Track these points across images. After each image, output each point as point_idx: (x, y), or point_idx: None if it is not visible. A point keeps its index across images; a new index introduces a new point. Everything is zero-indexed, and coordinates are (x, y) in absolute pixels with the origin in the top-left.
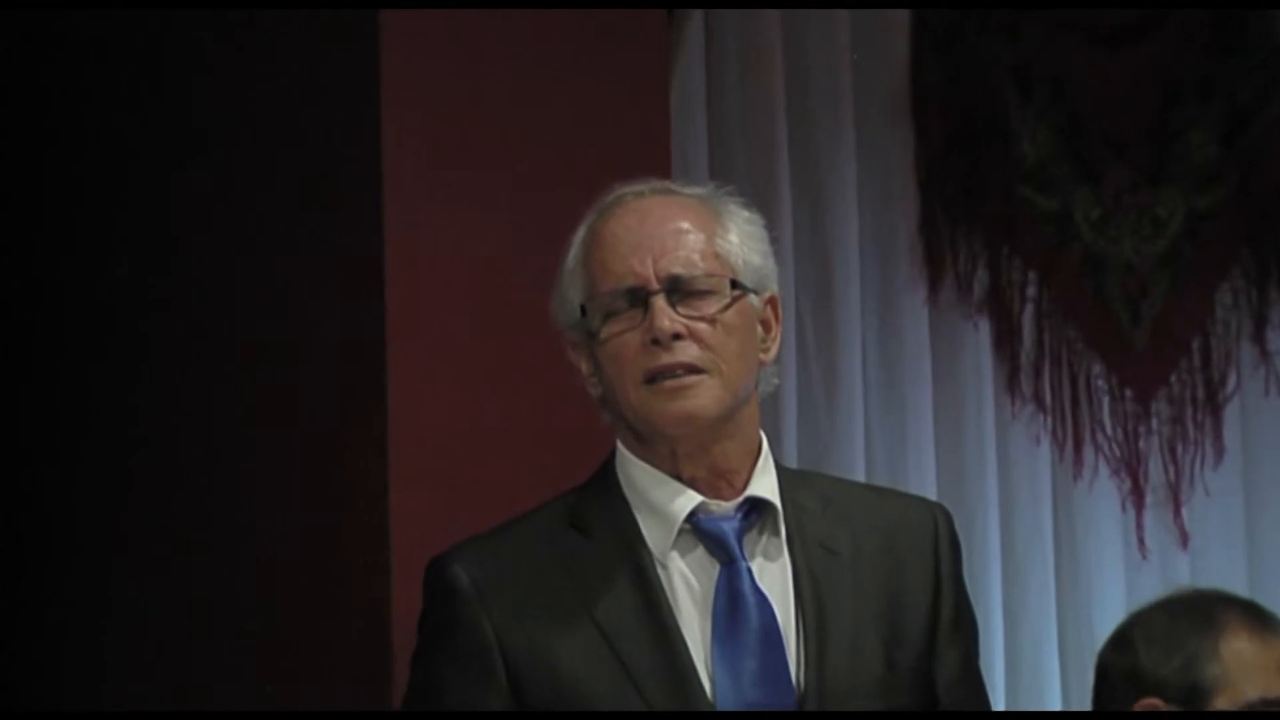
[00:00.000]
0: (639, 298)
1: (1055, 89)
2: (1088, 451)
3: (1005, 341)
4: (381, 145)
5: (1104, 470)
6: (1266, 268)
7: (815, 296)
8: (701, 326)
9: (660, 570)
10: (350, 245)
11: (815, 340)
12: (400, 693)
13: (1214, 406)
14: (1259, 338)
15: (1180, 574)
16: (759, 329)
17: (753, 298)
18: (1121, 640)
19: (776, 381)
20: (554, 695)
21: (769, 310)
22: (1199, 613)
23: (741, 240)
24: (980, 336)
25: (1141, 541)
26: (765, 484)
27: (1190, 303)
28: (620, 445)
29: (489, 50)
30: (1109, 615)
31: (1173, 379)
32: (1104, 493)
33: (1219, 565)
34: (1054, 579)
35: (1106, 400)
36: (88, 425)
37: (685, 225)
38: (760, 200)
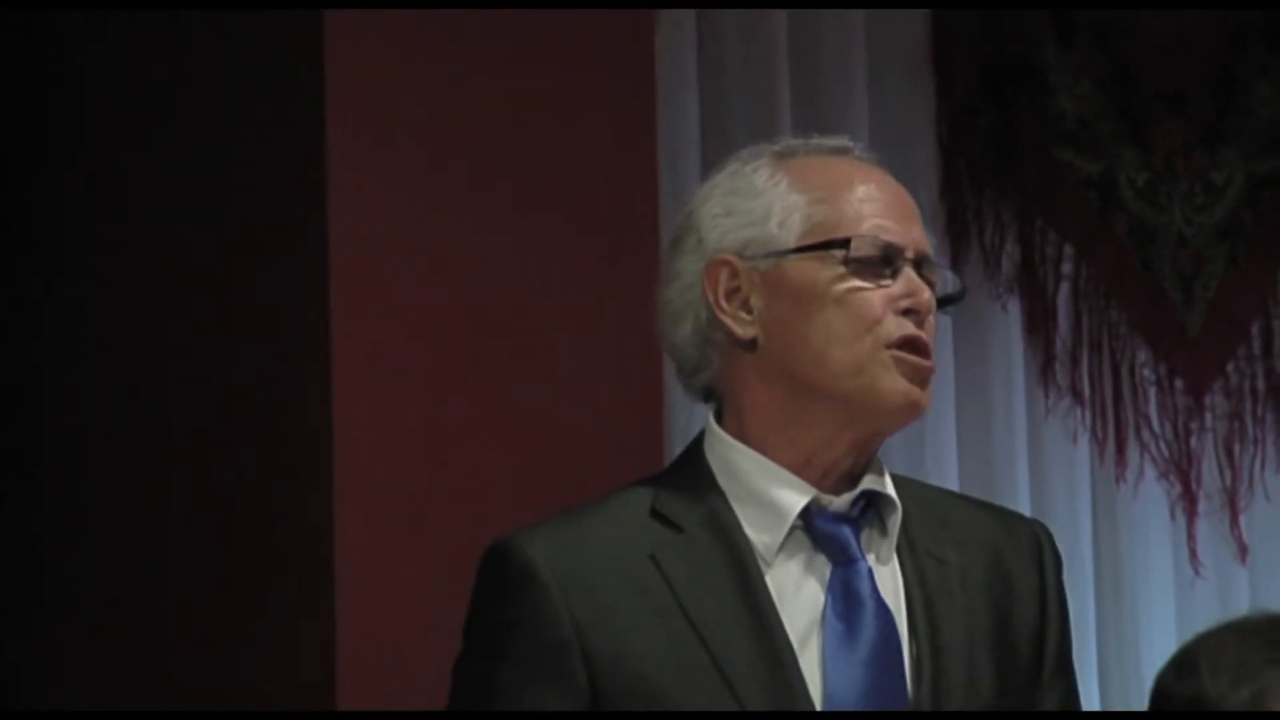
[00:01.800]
0: (890, 260)
1: (1100, 35)
2: (1132, 451)
3: (1039, 325)
4: (326, 146)
5: (1151, 472)
6: None
7: None
8: (932, 318)
9: (764, 568)
10: (295, 245)
11: None
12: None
13: (1277, 400)
14: None
15: (1238, 591)
16: None
17: None
18: (1186, 663)
19: None
20: (641, 706)
21: None
22: (1277, 641)
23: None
24: (1010, 319)
25: (1194, 554)
26: (880, 480)
27: (1250, 281)
28: (717, 429)
29: (433, 49)
30: (1156, 638)
31: (1230, 368)
32: (1151, 498)
33: None
34: (1093, 597)
35: (1154, 392)
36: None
37: (917, 209)
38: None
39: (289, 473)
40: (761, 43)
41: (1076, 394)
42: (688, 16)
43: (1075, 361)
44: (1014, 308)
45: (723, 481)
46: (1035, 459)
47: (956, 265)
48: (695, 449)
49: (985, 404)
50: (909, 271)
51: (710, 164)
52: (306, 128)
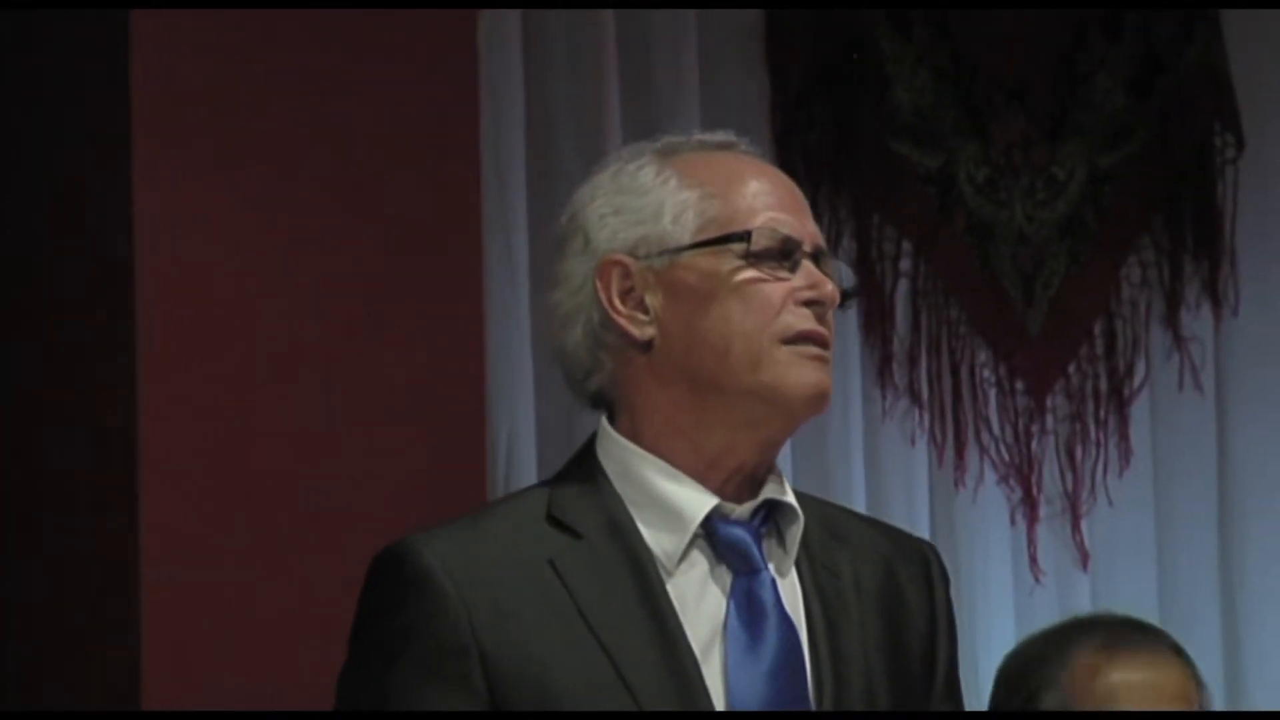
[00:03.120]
0: (788, 253)
1: (938, 24)
2: (972, 454)
3: (875, 324)
4: (132, 148)
5: (991, 476)
6: (1181, 238)
7: None
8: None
9: (665, 576)
10: (100, 248)
11: None
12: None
13: (1119, 402)
14: (1172, 321)
15: (1079, 599)
16: None
17: None
18: (998, 676)
19: None
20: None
21: None
22: (1054, 641)
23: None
24: (846, 318)
25: (1034, 561)
26: (781, 489)
27: (1093, 279)
28: (612, 433)
29: (250, 50)
30: (995, 648)
31: (1071, 369)
32: (991, 503)
33: (1125, 589)
34: None
35: (994, 394)
36: None
37: (803, 197)
38: (585, 155)
39: (92, 482)
40: (589, 35)
41: (914, 395)
42: (512, 16)
43: (913, 361)
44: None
45: (620, 487)
46: (871, 462)
47: None
48: (587, 454)
49: None
50: (808, 264)
51: (535, 164)
52: (112, 128)
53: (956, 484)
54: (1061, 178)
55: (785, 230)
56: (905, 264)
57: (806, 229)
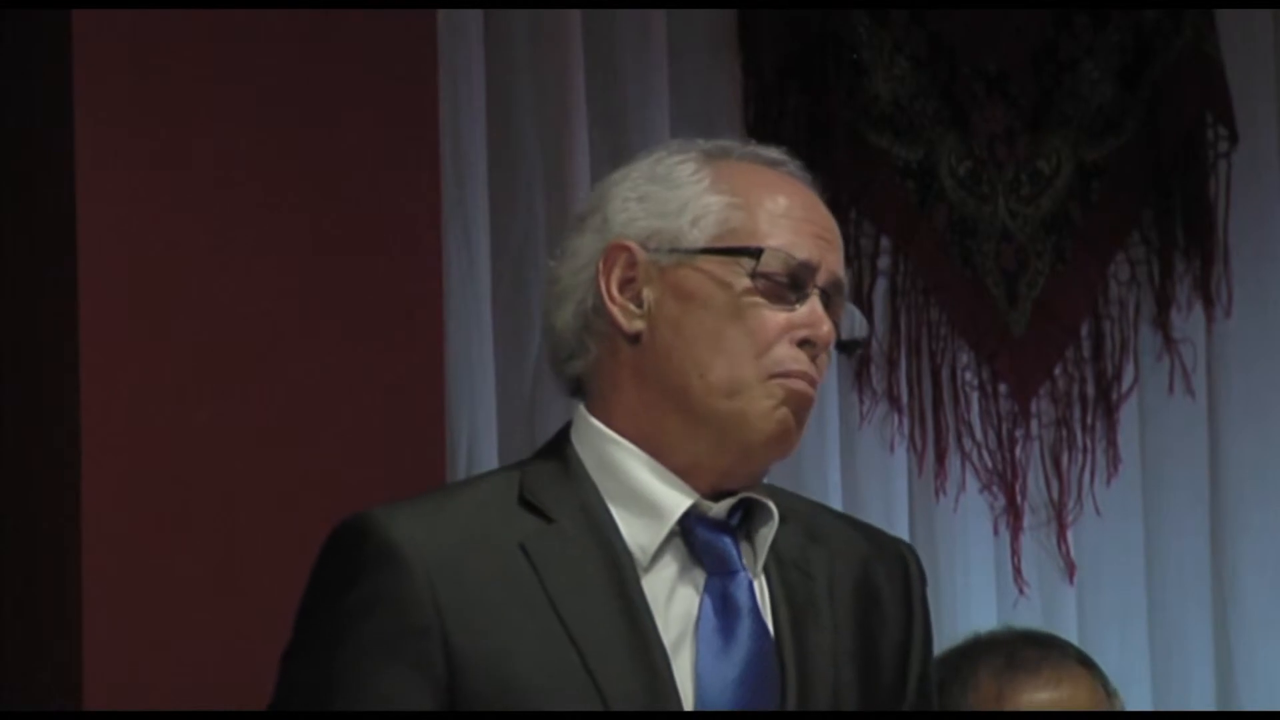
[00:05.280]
0: (800, 281)
1: (916, 11)
2: (953, 461)
3: None
4: (75, 149)
5: (973, 484)
6: (1171, 234)
7: None
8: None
9: (640, 572)
10: (44, 249)
11: None
12: None
13: (1107, 406)
14: (1161, 321)
15: (1064, 612)
16: None
17: None
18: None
19: None
20: (506, 707)
21: None
22: (954, 665)
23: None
24: None
25: (1018, 572)
26: (759, 489)
27: (1079, 278)
28: (593, 421)
29: (201, 51)
30: None
31: (1057, 372)
32: (973, 511)
33: (1112, 601)
34: None
35: (977, 398)
36: None
37: (838, 238)
38: (551, 149)
39: (33, 480)
40: (553, 30)
41: (893, 399)
42: (473, 15)
43: (892, 364)
44: None
45: (596, 476)
46: (849, 469)
47: None
48: (561, 440)
49: None
50: (815, 300)
51: (495, 163)
52: (55, 129)
53: (937, 492)
54: (1046, 171)
55: (801, 256)
56: (883, 261)
57: (826, 261)
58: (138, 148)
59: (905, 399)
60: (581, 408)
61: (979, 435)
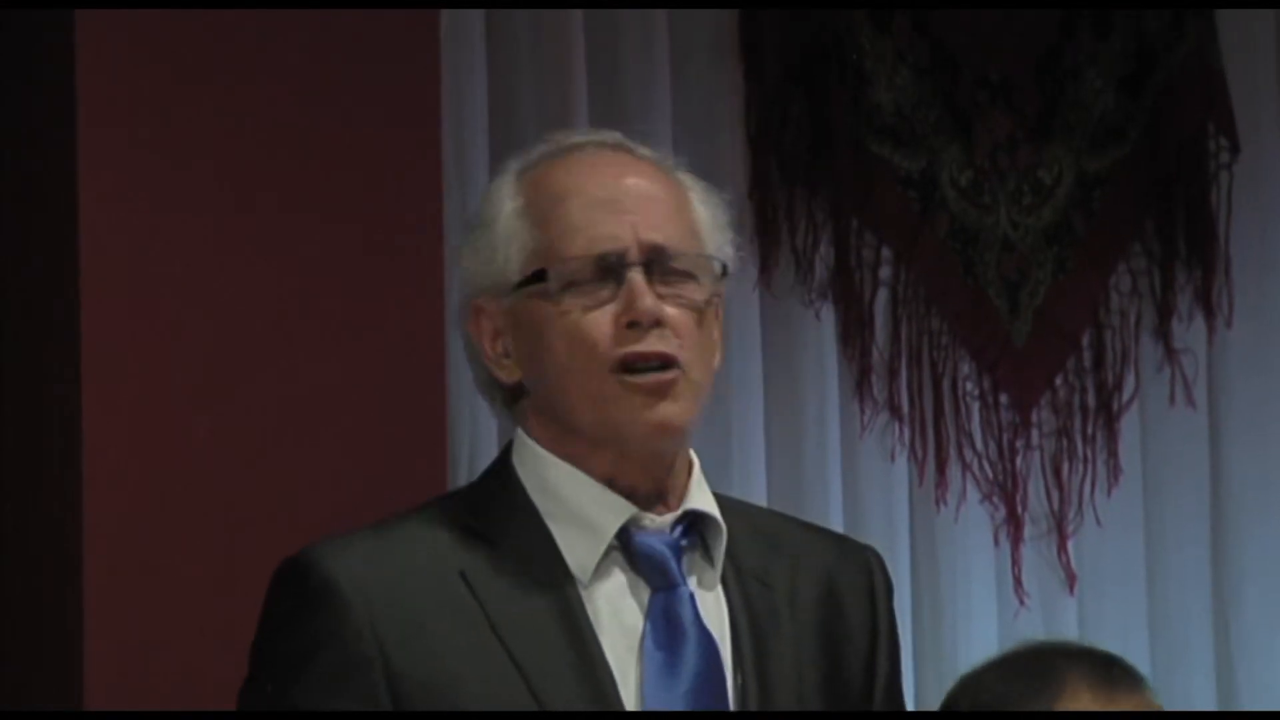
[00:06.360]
0: (611, 269)
1: (919, 19)
2: (954, 471)
3: (854, 334)
4: (78, 149)
5: (974, 494)
6: (1173, 245)
7: None
8: (681, 315)
9: (581, 590)
10: (46, 249)
11: None
12: None
13: (1108, 417)
14: (1163, 332)
15: (1065, 623)
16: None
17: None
18: (949, 708)
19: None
20: None
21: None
22: (1034, 673)
23: (711, 218)
24: (823, 328)
25: (1019, 583)
26: (704, 499)
27: (1080, 288)
28: (528, 440)
29: (206, 50)
30: None
31: (1058, 382)
32: (974, 522)
33: (1113, 612)
34: (911, 628)
35: (977, 408)
36: None
37: (660, 192)
38: None
39: (35, 482)
40: (556, 32)
41: (894, 409)
42: (475, 15)
43: (893, 374)
44: (828, 315)
45: (536, 498)
46: (849, 479)
47: (766, 268)
48: (503, 463)
49: (796, 419)
50: (631, 277)
51: (498, 158)
52: (58, 129)
53: (938, 502)
54: (1048, 181)
55: (600, 250)
56: (885, 271)
57: (636, 234)
58: (140, 148)
59: (906, 409)
60: (520, 430)
61: (980, 445)
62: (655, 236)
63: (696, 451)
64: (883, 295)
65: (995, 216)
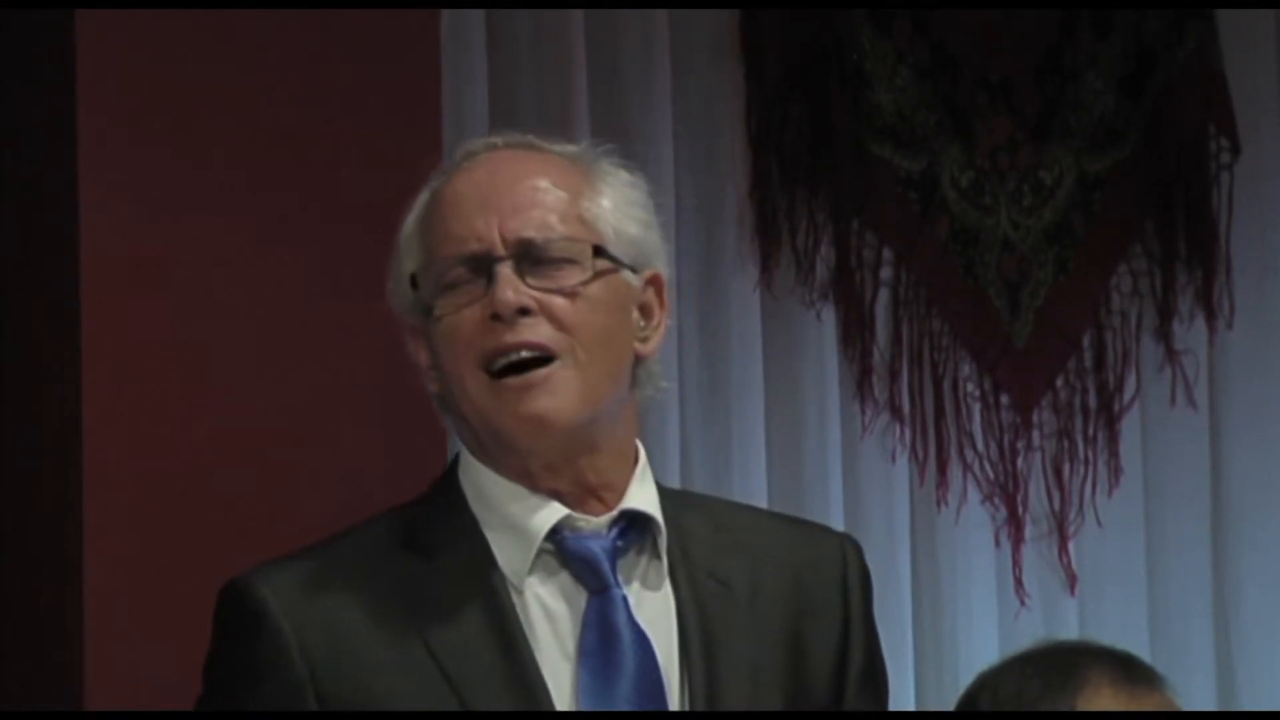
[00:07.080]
0: (482, 266)
1: (919, 20)
2: (955, 472)
3: (855, 335)
4: (79, 149)
5: (974, 495)
6: (1173, 247)
7: None
8: (556, 300)
9: (515, 598)
10: (47, 250)
11: None
12: None
13: (1109, 418)
14: (1164, 333)
15: (1066, 624)
16: (635, 313)
17: (628, 274)
18: (969, 701)
19: (665, 385)
20: None
21: (651, 292)
22: (1055, 670)
23: (616, 205)
24: (824, 329)
25: (1019, 584)
26: (644, 497)
27: (1081, 289)
28: (468, 455)
29: (207, 51)
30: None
31: (1059, 383)
32: (974, 523)
33: (1113, 613)
34: (911, 629)
35: (978, 409)
36: None
37: (544, 183)
38: None
39: (34, 482)
40: (556, 33)
41: (895, 410)
42: (475, 16)
43: (894, 375)
44: (828, 316)
45: (475, 507)
46: (850, 479)
47: (767, 269)
48: (449, 475)
49: (796, 420)
50: (501, 271)
51: None
52: (59, 129)
53: (939, 503)
54: (1049, 182)
55: (469, 248)
56: (885, 272)
57: (504, 231)
58: (140, 148)
59: (907, 410)
60: (462, 443)
61: (981, 446)
62: (525, 231)
63: (697, 451)
64: (883, 296)
65: (996, 217)
